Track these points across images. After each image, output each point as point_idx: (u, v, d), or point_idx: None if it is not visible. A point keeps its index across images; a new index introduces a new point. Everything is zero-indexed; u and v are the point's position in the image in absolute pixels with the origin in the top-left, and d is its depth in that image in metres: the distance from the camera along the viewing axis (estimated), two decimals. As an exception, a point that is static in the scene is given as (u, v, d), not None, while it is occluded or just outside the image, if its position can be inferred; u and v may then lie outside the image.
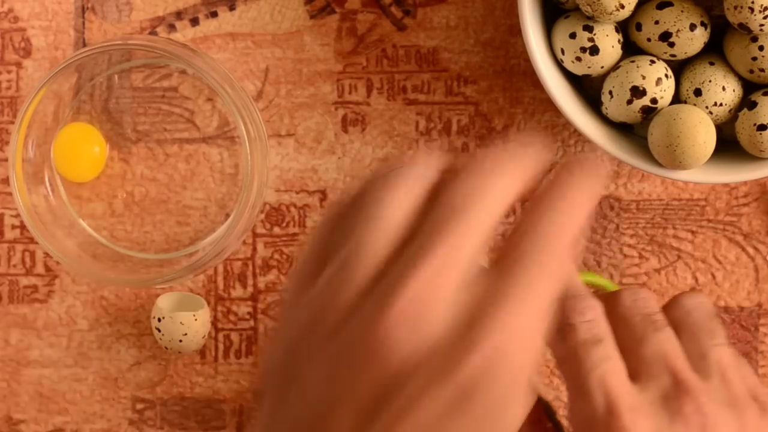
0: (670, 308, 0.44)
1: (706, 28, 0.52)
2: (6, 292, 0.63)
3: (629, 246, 0.60)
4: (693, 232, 0.60)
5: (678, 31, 0.51)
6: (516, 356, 0.32)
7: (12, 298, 0.63)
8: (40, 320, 0.62)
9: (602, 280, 0.45)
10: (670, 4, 0.52)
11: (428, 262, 0.33)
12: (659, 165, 0.53)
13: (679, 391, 0.40)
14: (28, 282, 0.62)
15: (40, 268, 0.62)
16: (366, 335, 0.33)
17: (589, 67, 0.53)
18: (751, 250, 0.60)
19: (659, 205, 0.60)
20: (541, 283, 0.33)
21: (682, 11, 0.51)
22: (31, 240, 0.62)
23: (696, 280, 0.60)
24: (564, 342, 0.41)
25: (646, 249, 0.60)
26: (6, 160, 0.62)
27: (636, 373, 0.41)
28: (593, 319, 0.41)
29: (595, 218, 0.58)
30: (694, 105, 0.52)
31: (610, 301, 0.43)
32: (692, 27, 0.51)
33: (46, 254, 0.62)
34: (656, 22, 0.52)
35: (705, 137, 0.51)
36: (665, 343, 0.42)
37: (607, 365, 0.40)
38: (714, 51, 0.54)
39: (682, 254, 0.60)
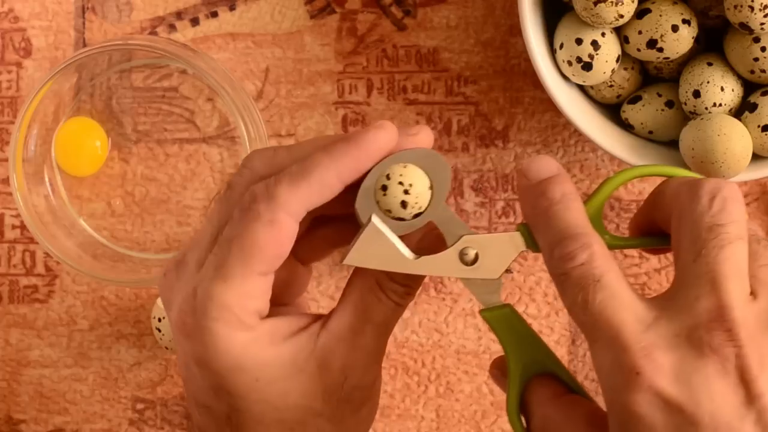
0: None
1: (689, 25, 0.51)
2: (6, 292, 0.63)
3: (629, 246, 0.59)
4: (693, 233, 0.59)
5: (661, 36, 0.51)
6: None
7: (12, 298, 0.63)
8: (40, 320, 0.62)
9: (674, 170, 0.44)
10: (649, 11, 0.52)
11: None
12: (659, 165, 0.53)
13: None
14: (28, 282, 0.62)
15: (40, 268, 0.62)
16: None
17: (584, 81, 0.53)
18: (751, 251, 0.59)
19: (659, 205, 0.60)
20: None
21: (660, 15, 0.51)
22: (31, 240, 0.62)
23: (696, 280, 0.60)
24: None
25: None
26: (6, 160, 0.62)
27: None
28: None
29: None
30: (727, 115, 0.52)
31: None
32: (674, 28, 0.51)
33: (46, 254, 0.62)
34: (639, 32, 0.52)
35: (746, 151, 0.51)
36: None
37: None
38: (714, 51, 0.54)
39: (682, 254, 0.60)
